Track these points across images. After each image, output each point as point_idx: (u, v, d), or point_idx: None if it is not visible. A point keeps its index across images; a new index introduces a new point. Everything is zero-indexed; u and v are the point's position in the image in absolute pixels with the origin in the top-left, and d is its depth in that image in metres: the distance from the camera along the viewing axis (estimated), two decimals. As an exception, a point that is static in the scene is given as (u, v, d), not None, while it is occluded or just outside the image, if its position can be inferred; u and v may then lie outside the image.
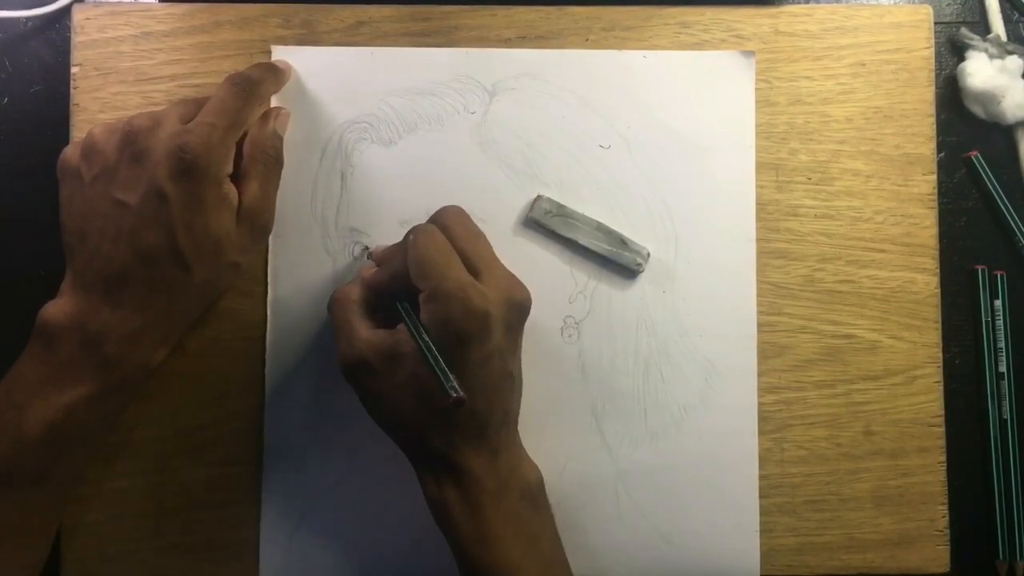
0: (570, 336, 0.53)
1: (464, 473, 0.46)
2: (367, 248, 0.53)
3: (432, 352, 0.44)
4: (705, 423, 0.53)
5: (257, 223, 0.51)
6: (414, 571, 0.53)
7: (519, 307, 0.47)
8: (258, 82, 0.51)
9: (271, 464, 0.53)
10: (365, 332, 0.47)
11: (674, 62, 0.55)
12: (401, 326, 0.46)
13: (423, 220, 0.52)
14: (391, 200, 0.54)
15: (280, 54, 0.54)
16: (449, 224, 0.48)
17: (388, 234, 0.53)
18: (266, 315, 0.53)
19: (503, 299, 0.46)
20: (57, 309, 0.48)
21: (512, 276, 0.48)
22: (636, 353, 0.54)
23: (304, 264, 0.53)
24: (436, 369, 0.43)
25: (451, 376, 0.43)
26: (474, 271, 0.46)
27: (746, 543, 0.53)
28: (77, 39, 0.54)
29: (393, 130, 0.54)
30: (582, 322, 0.54)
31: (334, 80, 0.54)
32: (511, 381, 0.47)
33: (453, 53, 0.54)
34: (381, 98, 0.54)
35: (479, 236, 0.49)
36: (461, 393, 0.42)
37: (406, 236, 0.48)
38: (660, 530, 0.53)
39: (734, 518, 0.53)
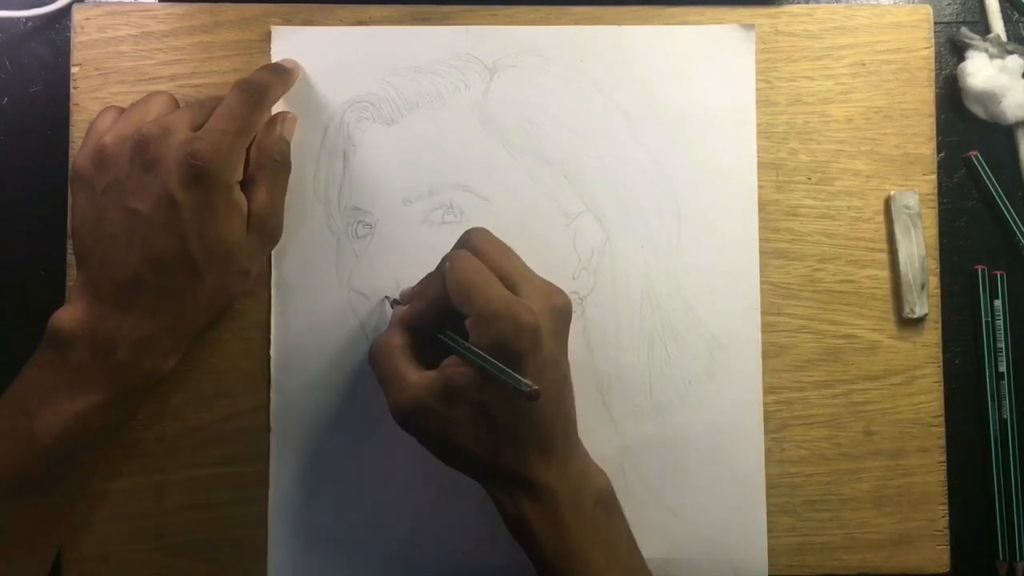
0: (575, 312, 0.53)
1: (539, 488, 0.46)
2: (388, 297, 0.52)
3: (493, 363, 0.44)
4: (710, 396, 0.54)
5: (266, 229, 0.51)
6: (421, 557, 0.53)
7: (562, 313, 0.47)
8: (266, 86, 0.51)
9: (277, 445, 0.53)
10: (415, 376, 0.46)
11: (674, 36, 0.55)
12: (448, 361, 0.46)
13: (425, 198, 0.53)
14: (393, 179, 0.54)
15: (280, 35, 0.54)
16: (477, 244, 0.47)
17: (391, 213, 0.53)
18: (268, 315, 0.53)
19: (547, 308, 0.46)
20: (68, 316, 0.47)
21: (548, 283, 0.48)
22: (641, 328, 0.54)
23: (308, 244, 0.54)
24: (503, 375, 0.43)
25: (518, 376, 0.43)
26: (511, 285, 0.46)
27: (753, 514, 0.53)
28: (77, 39, 0.54)
29: (394, 109, 0.54)
30: (586, 298, 0.54)
31: (335, 60, 0.54)
32: (567, 385, 0.48)
33: (453, 31, 0.54)
34: (382, 77, 0.54)
35: (508, 251, 0.48)
36: (534, 387, 0.43)
37: (439, 265, 0.48)
38: (667, 504, 0.53)
39: (740, 491, 0.53)
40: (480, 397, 0.45)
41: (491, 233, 0.49)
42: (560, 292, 0.47)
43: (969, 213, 0.57)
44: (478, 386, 0.44)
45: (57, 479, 0.48)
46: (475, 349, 0.44)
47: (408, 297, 0.50)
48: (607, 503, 0.48)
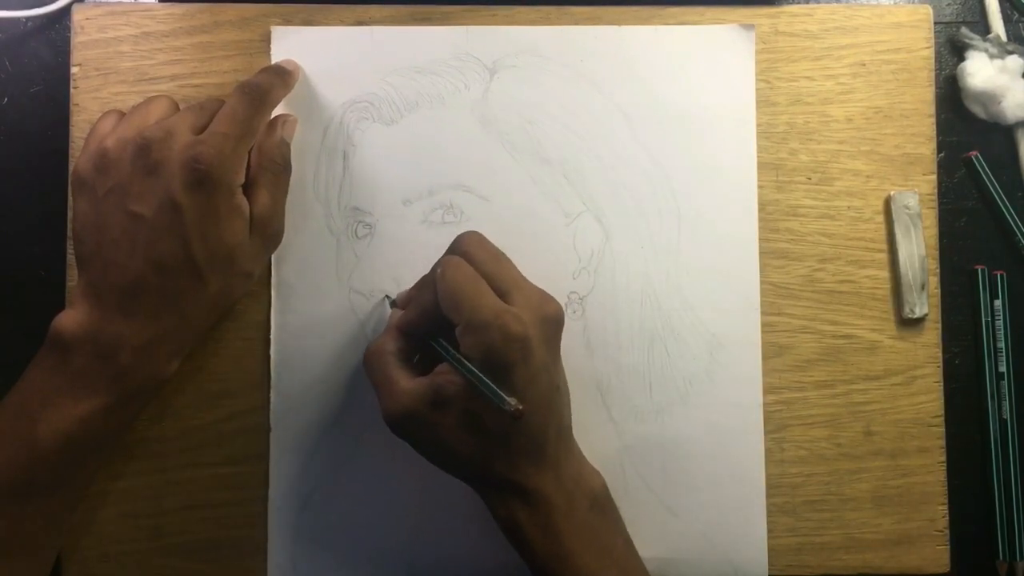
0: (575, 312, 0.53)
1: (531, 494, 0.46)
2: (388, 297, 0.52)
3: (480, 377, 0.44)
4: (710, 396, 0.53)
5: (268, 231, 0.51)
6: (420, 557, 0.53)
7: (554, 321, 0.47)
8: (268, 89, 0.51)
9: (277, 445, 0.53)
10: (407, 383, 0.46)
11: (674, 36, 0.55)
12: (439, 368, 0.46)
13: (425, 198, 0.53)
14: (393, 179, 0.54)
15: (280, 35, 0.54)
16: (470, 250, 0.47)
17: (391, 213, 0.53)
18: (268, 316, 0.53)
19: (537, 318, 0.46)
20: (70, 319, 0.47)
21: (540, 291, 0.47)
22: (641, 328, 0.54)
23: (307, 244, 0.54)
24: (488, 391, 0.43)
25: (503, 394, 0.43)
26: (502, 292, 0.46)
27: (753, 514, 0.53)
28: (77, 39, 0.54)
29: (394, 109, 0.54)
30: (586, 298, 0.54)
31: (335, 60, 0.54)
32: (559, 393, 0.47)
33: (453, 31, 0.54)
34: (382, 77, 0.54)
35: (501, 257, 0.48)
36: (519, 405, 0.43)
37: (432, 270, 0.47)
38: (666, 503, 0.53)
39: (740, 491, 0.53)
40: (470, 406, 0.45)
41: (484, 238, 0.48)
42: (552, 300, 0.47)
43: (969, 213, 0.57)
44: (468, 395, 0.44)
45: (58, 483, 0.48)
46: (464, 361, 0.44)
47: (404, 301, 0.50)
48: (602, 505, 0.48)
